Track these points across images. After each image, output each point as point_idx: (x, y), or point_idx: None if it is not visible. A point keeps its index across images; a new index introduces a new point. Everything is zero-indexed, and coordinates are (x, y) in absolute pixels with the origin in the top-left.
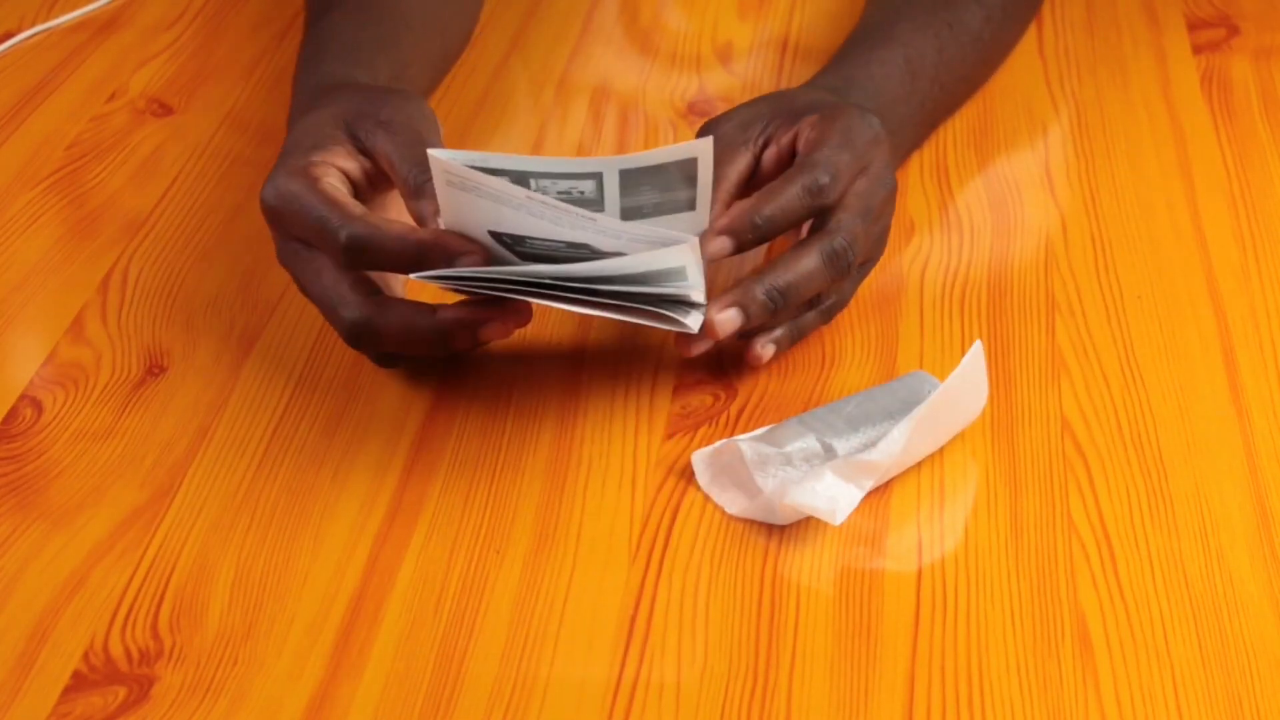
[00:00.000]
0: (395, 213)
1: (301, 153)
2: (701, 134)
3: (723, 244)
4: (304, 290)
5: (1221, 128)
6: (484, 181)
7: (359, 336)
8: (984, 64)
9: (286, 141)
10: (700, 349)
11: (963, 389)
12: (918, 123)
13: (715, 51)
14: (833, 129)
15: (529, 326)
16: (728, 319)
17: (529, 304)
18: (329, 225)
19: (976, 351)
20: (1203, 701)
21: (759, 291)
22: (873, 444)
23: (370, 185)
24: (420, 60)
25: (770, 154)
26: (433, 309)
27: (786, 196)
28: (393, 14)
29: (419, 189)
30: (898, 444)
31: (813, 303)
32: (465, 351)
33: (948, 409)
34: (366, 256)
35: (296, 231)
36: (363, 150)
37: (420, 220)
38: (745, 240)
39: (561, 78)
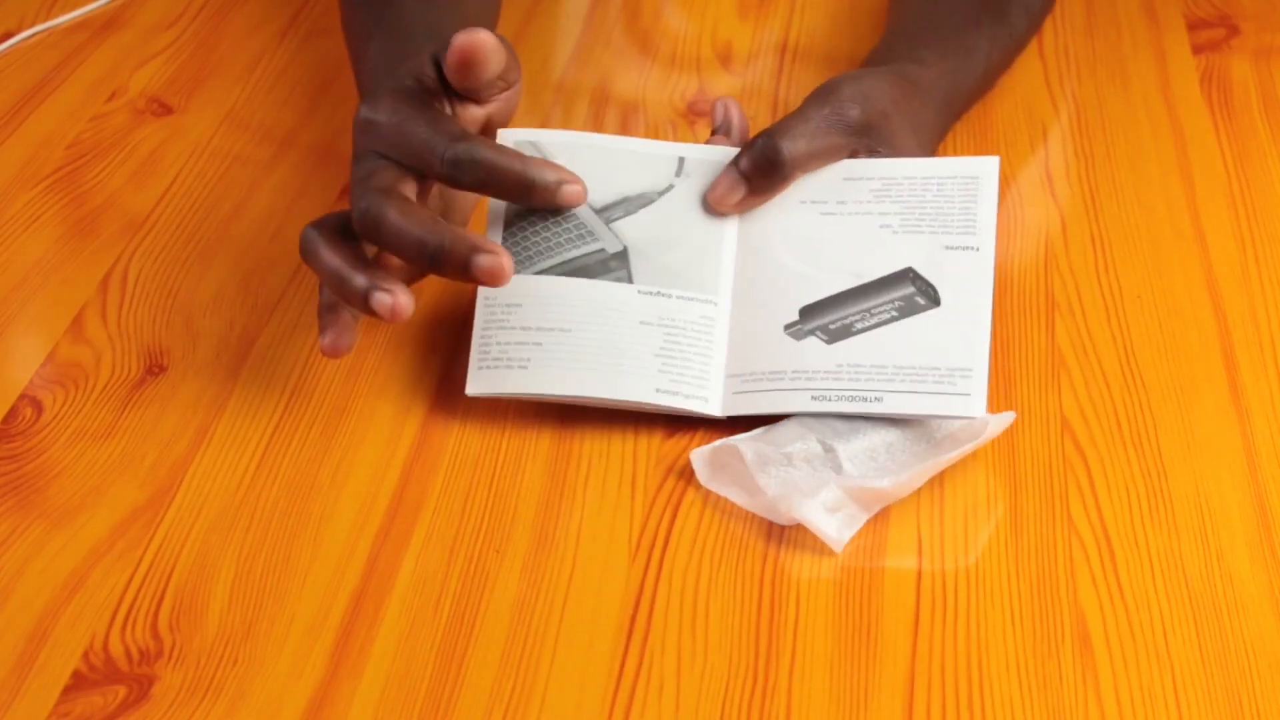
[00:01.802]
0: None
1: (399, 78)
2: (838, 85)
3: None
4: (393, 150)
5: (1221, 128)
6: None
7: (458, 163)
8: (1010, 68)
9: (381, 79)
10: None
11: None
12: (952, 123)
13: (715, 52)
14: None
15: None
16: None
17: None
18: (436, 142)
19: (1004, 418)
20: (1203, 701)
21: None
22: (873, 449)
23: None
24: (483, 23)
25: None
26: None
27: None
28: None
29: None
30: (918, 480)
31: None
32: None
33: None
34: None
35: (398, 145)
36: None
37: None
38: None
39: (561, 78)
